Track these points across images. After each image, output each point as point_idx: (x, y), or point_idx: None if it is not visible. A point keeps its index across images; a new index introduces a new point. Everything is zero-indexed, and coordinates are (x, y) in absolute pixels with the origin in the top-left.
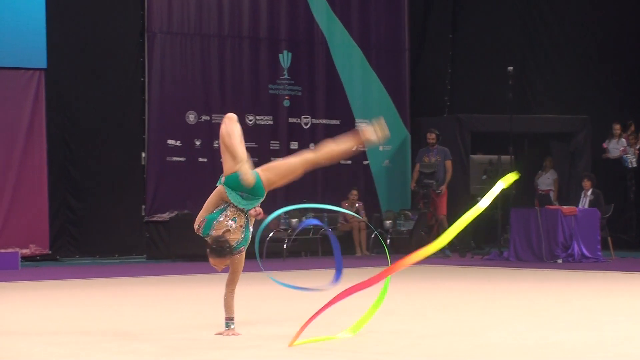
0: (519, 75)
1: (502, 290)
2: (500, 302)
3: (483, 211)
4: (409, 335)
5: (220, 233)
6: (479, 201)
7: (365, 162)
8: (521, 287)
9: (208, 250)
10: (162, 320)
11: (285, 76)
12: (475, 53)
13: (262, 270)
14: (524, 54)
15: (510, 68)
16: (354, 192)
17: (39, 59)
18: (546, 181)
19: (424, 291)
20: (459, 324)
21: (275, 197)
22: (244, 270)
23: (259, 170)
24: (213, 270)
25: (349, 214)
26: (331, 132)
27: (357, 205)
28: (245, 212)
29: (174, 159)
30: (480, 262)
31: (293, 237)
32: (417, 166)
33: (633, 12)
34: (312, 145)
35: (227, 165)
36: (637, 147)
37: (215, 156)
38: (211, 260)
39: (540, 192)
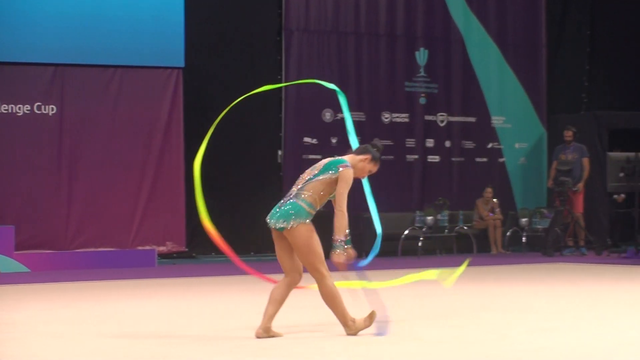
0: None
1: (637, 289)
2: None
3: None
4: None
5: None
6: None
7: (500, 160)
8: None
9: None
10: (296, 316)
11: (422, 74)
12: (613, 49)
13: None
14: None
15: None
16: (489, 189)
17: (177, 58)
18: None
19: (562, 290)
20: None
21: (412, 194)
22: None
23: None
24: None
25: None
26: (467, 130)
27: (492, 202)
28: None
29: (310, 156)
30: (616, 260)
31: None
32: (555, 163)
33: None
34: (447, 142)
35: (324, 190)
36: None
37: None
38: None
39: None
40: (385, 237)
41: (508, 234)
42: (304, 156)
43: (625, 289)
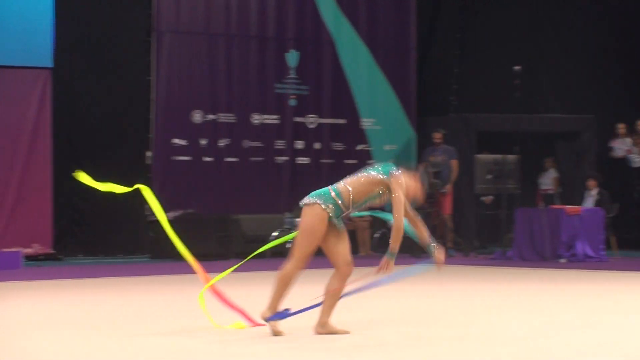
0: (525, 75)
1: (505, 290)
2: (502, 301)
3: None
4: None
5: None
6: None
7: (370, 162)
8: (524, 287)
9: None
10: (167, 320)
11: (292, 75)
12: (483, 52)
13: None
14: (530, 53)
15: (517, 67)
16: None
17: (45, 58)
18: (546, 181)
19: (429, 293)
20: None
21: (281, 196)
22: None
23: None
24: (216, 270)
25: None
26: (337, 132)
27: None
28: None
29: (179, 158)
30: (483, 261)
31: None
32: (423, 165)
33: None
34: (317, 144)
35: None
36: None
37: (220, 155)
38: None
39: (542, 191)
40: (254, 239)
41: (377, 235)
42: (173, 158)
43: (492, 290)
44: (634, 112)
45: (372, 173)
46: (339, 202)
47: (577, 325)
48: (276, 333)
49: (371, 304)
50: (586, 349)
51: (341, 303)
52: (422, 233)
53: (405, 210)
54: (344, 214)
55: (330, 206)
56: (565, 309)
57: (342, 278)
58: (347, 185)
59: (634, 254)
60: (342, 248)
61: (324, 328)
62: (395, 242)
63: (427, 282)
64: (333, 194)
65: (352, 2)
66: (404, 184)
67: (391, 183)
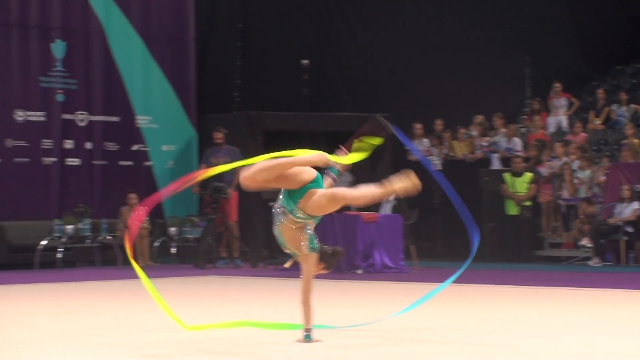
0: (315, 70)
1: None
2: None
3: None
4: None
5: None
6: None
7: (147, 163)
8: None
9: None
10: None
11: (59, 68)
12: (267, 45)
13: None
14: (319, 46)
15: (305, 61)
16: (132, 195)
17: None
18: (341, 184)
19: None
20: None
21: (49, 201)
22: None
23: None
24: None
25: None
26: (110, 130)
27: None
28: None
29: None
30: (274, 272)
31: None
32: (203, 167)
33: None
34: (89, 144)
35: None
36: (444, 150)
37: None
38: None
39: None
40: (20, 248)
41: (156, 244)
42: None
43: (285, 304)
44: (430, 112)
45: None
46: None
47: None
48: None
49: None
50: None
51: None
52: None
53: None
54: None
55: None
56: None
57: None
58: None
59: (435, 263)
60: None
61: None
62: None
63: (213, 293)
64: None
65: None
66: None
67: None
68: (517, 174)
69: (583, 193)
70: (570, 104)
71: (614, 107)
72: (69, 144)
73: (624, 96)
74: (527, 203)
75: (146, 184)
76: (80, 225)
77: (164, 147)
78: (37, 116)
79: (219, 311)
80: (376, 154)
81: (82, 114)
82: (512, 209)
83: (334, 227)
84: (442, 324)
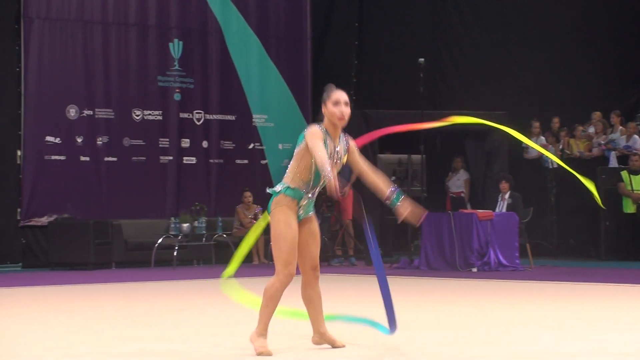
0: (431, 68)
1: (412, 302)
2: (409, 314)
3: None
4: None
5: None
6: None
7: (263, 162)
8: (432, 299)
9: None
10: (39, 334)
11: (176, 67)
12: (384, 43)
13: None
14: (436, 45)
15: (422, 60)
16: (248, 194)
17: None
18: (457, 183)
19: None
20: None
21: (166, 199)
22: None
23: None
24: (95, 280)
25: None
26: (226, 129)
27: (256, 210)
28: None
29: (53, 157)
30: (388, 270)
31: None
32: None
33: (554, 3)
34: (205, 142)
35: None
36: (560, 147)
37: (98, 154)
38: None
39: (451, 194)
40: (137, 246)
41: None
42: (47, 157)
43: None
44: (548, 109)
45: (298, 147)
46: (291, 187)
47: (491, 339)
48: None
49: None
50: None
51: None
52: (379, 185)
53: (359, 163)
54: (307, 199)
55: (286, 201)
56: (477, 321)
57: (308, 285)
58: (289, 172)
59: (549, 262)
60: (313, 249)
61: (321, 338)
62: (323, 170)
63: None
64: (279, 187)
65: None
66: (315, 129)
67: (306, 139)
68: (635, 172)
69: None
70: None
71: None
72: (185, 143)
73: None
74: None
75: (262, 183)
76: (196, 224)
77: (280, 146)
78: (154, 115)
79: (329, 309)
80: (490, 152)
81: (198, 112)
82: (629, 207)
83: (449, 226)
84: (566, 322)
